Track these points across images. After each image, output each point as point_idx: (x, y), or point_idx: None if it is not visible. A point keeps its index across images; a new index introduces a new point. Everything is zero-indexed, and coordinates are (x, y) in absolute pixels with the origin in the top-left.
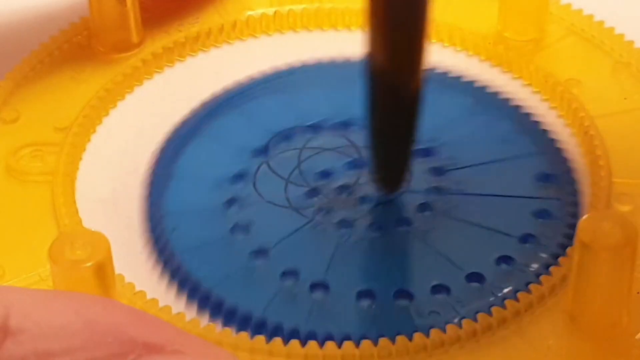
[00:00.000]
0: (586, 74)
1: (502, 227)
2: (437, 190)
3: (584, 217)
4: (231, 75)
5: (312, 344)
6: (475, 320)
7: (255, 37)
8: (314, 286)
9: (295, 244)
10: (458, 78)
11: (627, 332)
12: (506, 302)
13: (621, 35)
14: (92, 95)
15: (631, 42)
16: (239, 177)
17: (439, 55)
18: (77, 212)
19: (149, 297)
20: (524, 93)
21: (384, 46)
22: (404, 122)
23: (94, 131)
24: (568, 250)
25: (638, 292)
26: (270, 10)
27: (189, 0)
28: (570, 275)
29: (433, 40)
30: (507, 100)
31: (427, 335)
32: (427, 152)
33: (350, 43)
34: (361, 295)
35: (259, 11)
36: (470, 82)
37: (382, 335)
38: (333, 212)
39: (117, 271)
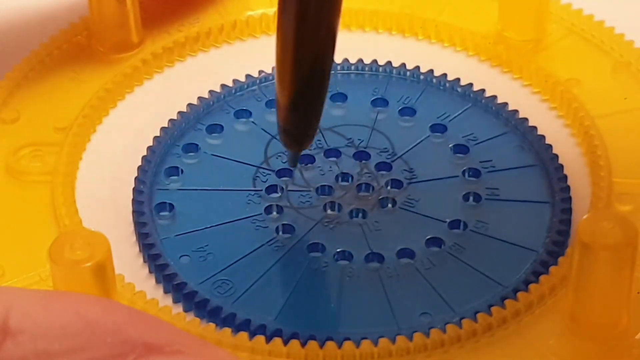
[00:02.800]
0: (586, 74)
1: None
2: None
3: (584, 217)
4: (231, 75)
5: (313, 343)
6: (474, 318)
7: (255, 37)
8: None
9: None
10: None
11: (627, 332)
12: (506, 302)
13: (621, 35)
14: (92, 95)
15: (631, 42)
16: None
17: (439, 55)
18: (77, 212)
19: (149, 297)
20: (524, 93)
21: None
22: (316, 74)
23: (94, 131)
24: (568, 250)
25: (638, 292)
26: (270, 10)
27: (189, 0)
28: (570, 275)
29: (433, 40)
30: None
31: (427, 335)
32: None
33: (350, 43)
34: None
35: (259, 11)
36: None
37: None
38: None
39: (117, 271)
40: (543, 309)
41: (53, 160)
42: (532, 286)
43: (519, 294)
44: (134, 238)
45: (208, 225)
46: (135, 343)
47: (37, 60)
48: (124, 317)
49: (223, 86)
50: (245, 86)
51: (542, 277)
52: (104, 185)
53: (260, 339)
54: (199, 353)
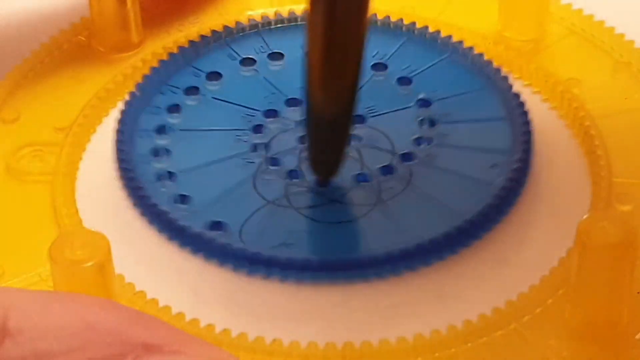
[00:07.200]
0: (586, 74)
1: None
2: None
3: (584, 217)
4: None
5: (312, 344)
6: (475, 319)
7: None
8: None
9: None
10: None
11: (627, 332)
12: (506, 302)
13: (621, 35)
14: (92, 95)
15: (631, 42)
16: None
17: None
18: (77, 212)
19: (149, 297)
20: (523, 93)
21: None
22: (342, 107)
23: (94, 131)
24: (568, 250)
25: (638, 292)
26: (270, 11)
27: (189, 0)
28: (570, 275)
29: None
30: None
31: (427, 335)
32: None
33: None
34: None
35: (259, 11)
36: None
37: None
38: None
39: (117, 271)
40: (543, 309)
41: (53, 160)
42: (531, 286)
43: (519, 294)
44: (133, 238)
45: (196, 165)
46: (135, 343)
47: (37, 60)
48: (123, 317)
49: None
50: None
51: (542, 277)
52: (104, 185)
53: (260, 339)
54: (198, 353)
